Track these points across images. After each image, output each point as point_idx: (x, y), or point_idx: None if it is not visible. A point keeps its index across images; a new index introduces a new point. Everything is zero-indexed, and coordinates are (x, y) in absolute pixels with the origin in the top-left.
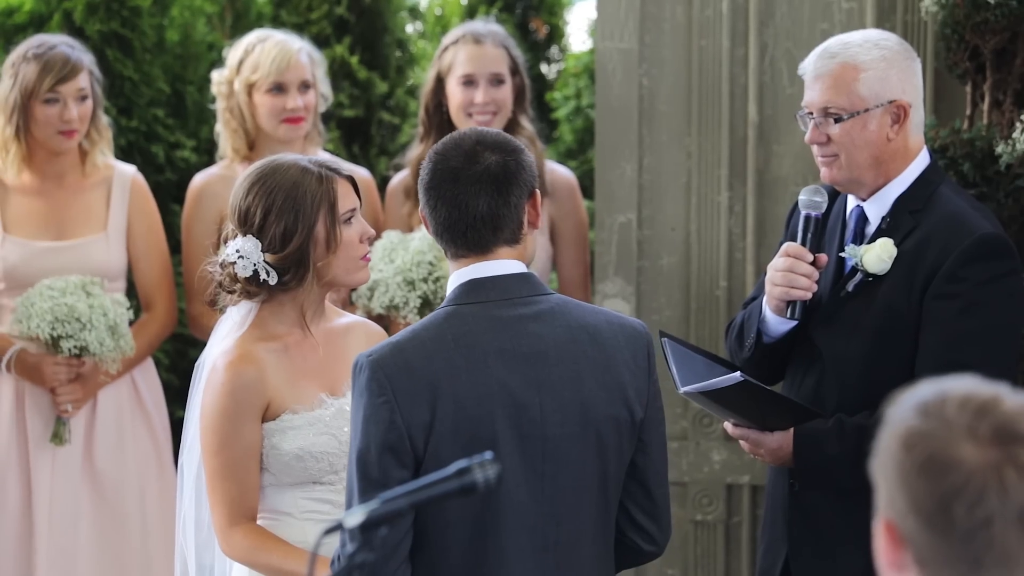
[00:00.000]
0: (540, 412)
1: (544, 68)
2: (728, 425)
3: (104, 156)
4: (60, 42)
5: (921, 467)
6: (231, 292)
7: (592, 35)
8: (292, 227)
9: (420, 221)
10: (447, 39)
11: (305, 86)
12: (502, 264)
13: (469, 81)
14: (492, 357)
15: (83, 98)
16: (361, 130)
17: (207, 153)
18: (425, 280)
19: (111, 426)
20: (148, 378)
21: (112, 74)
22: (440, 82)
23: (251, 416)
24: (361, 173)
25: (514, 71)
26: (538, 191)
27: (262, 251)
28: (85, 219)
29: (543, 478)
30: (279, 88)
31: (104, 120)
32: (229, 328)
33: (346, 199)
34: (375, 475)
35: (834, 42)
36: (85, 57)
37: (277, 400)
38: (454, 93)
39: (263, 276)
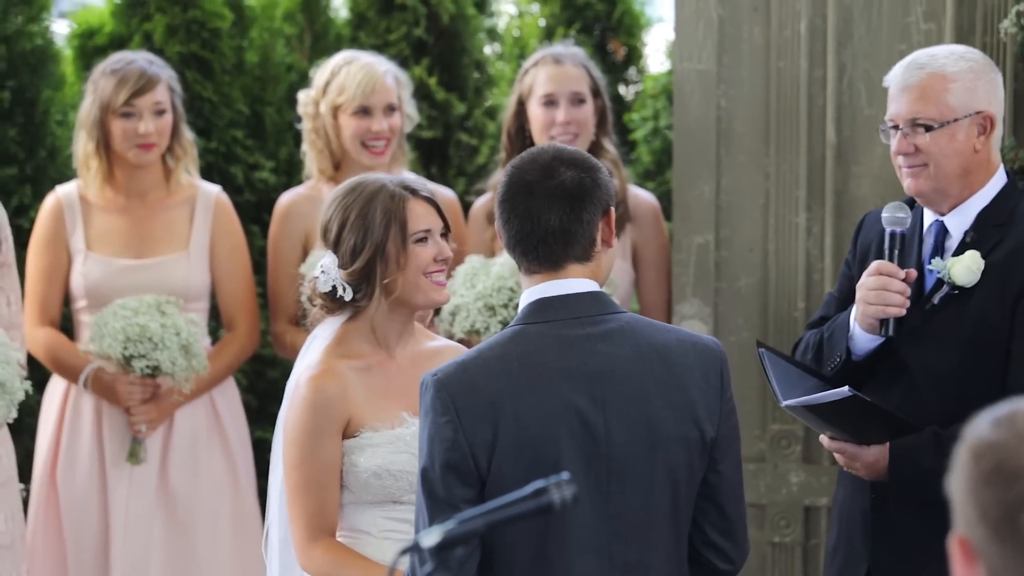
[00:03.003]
0: (605, 431)
1: (622, 89)
2: (824, 438)
3: (189, 174)
4: (139, 57)
5: (988, 476)
6: (315, 307)
7: (670, 56)
8: (360, 243)
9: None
10: (528, 62)
11: (391, 109)
12: (572, 283)
13: (550, 101)
14: (556, 376)
15: (160, 112)
16: (439, 151)
17: (286, 174)
18: (506, 306)
19: (186, 447)
20: (228, 399)
21: (191, 95)
22: (521, 105)
23: (332, 431)
24: (445, 194)
25: (595, 92)
26: (613, 209)
27: (338, 267)
28: (167, 237)
29: (609, 498)
30: (364, 111)
31: (188, 136)
32: (317, 346)
33: (421, 219)
34: (440, 494)
35: (921, 54)
36: (164, 72)
37: (358, 417)
38: (535, 114)
39: (339, 292)
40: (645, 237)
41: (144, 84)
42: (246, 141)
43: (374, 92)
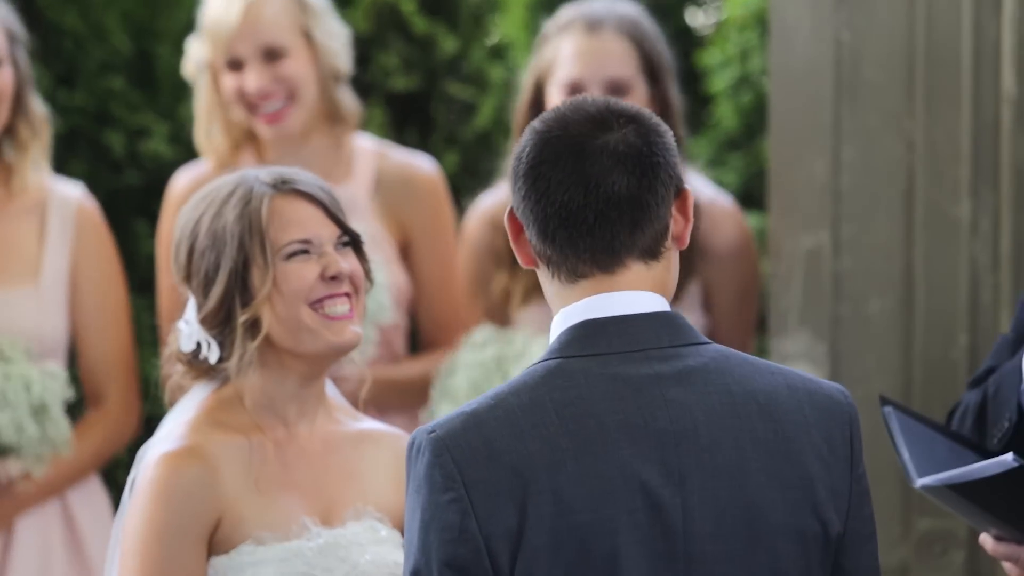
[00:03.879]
0: (683, 519)
1: (693, 18)
2: (987, 538)
3: (36, 170)
4: None
5: None
6: (177, 373)
7: None
8: (212, 271)
9: (521, 298)
10: (550, 24)
11: (273, 54)
12: (633, 298)
13: (577, 89)
14: (613, 436)
15: None
16: (419, 108)
17: (186, 144)
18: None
19: (30, 573)
20: (91, 503)
21: (45, 27)
22: (539, 91)
23: (192, 535)
24: (421, 168)
25: (653, 76)
26: (689, 191)
27: (196, 312)
28: (6, 263)
29: None
30: (234, 63)
31: (38, 112)
32: (180, 417)
33: (293, 225)
34: None
35: None
36: None
37: (232, 518)
38: (553, 103)
39: (203, 351)
40: (723, 272)
41: None
42: (129, 95)
43: (237, 33)
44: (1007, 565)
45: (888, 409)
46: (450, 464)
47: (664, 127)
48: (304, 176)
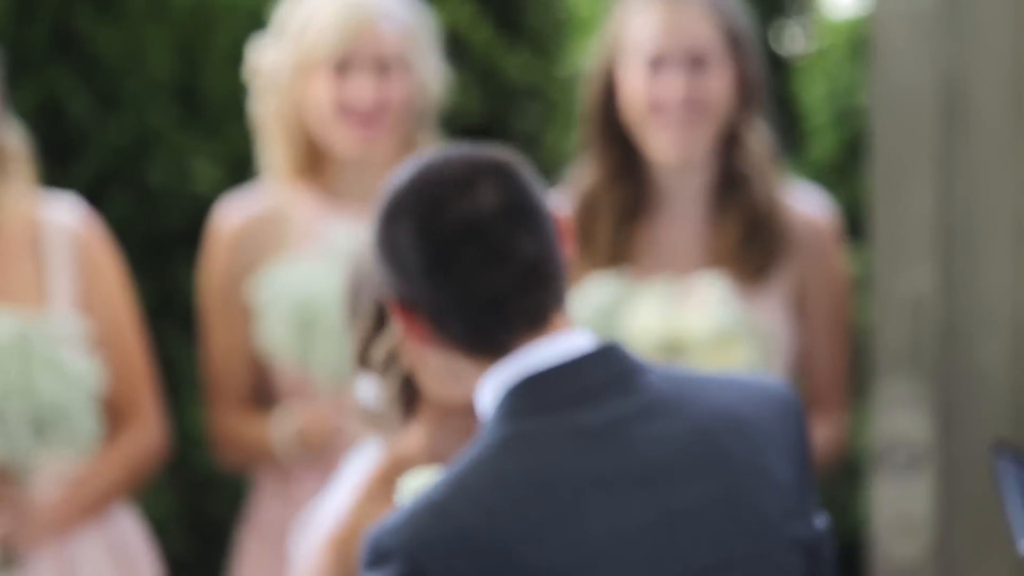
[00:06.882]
0: (683, 560)
1: (783, 42)
2: None
3: (13, 194)
4: None
5: None
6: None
7: None
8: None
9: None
10: (619, 5)
11: (384, 66)
12: (561, 343)
13: (657, 64)
14: (590, 491)
15: None
16: (493, 138)
17: (234, 169)
18: None
19: None
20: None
21: (83, 51)
22: (609, 75)
23: None
24: None
25: (735, 53)
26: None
27: None
28: (8, 292)
29: None
30: (343, 66)
31: (12, 140)
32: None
33: None
34: None
35: None
36: None
37: None
38: (631, 83)
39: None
40: (810, 268)
41: None
42: (171, 117)
43: (358, 38)
44: None
45: (1003, 457)
46: (429, 571)
47: (516, 161)
48: None
